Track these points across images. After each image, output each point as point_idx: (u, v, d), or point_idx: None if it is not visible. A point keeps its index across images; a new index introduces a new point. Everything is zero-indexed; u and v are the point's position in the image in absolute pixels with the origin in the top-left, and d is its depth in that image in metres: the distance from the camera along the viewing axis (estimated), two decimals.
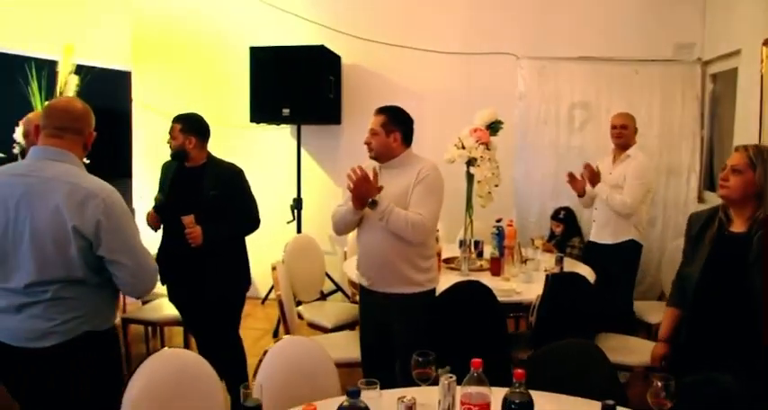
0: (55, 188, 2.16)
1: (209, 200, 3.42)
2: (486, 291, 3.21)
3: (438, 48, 5.64)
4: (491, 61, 5.53)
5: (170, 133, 3.52)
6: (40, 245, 2.14)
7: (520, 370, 1.68)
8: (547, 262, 4.04)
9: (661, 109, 5.25)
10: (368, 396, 1.83)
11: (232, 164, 3.59)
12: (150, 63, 6.22)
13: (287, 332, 3.62)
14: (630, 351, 3.55)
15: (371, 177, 2.88)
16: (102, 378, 2.26)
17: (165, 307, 4.27)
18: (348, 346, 3.66)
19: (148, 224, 3.55)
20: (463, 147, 3.98)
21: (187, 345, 4.22)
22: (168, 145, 3.54)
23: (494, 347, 3.06)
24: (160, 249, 3.60)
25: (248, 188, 3.60)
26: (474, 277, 3.66)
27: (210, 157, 3.58)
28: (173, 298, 3.71)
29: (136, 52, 6.21)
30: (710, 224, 2.47)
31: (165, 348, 2.26)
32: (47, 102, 2.46)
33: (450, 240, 4.77)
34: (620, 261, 4.20)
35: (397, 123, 2.99)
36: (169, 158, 3.59)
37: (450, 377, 1.92)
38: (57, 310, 2.17)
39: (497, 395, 1.79)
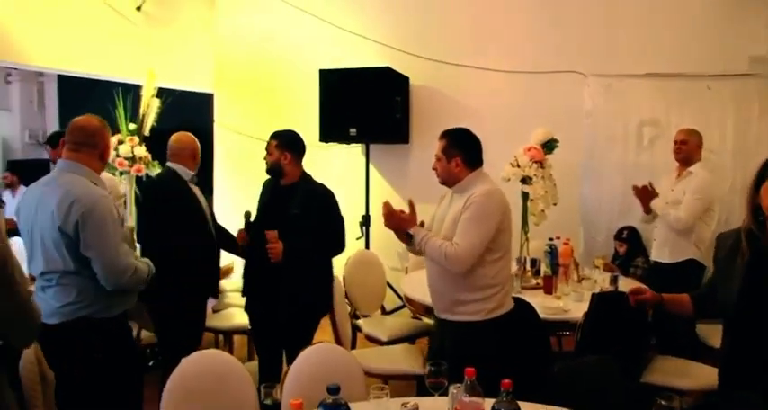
0: (54, 195, 2.58)
1: (292, 218, 3.50)
2: (528, 308, 3.22)
3: (504, 67, 5.69)
4: (558, 79, 5.52)
5: (267, 149, 3.62)
6: (43, 242, 2.60)
7: (507, 381, 1.73)
8: (603, 281, 4.00)
9: (735, 125, 5.08)
10: (377, 401, 1.94)
11: (323, 186, 3.67)
12: (230, 86, 6.59)
13: (337, 343, 3.75)
14: (685, 374, 3.46)
15: (408, 209, 2.90)
16: (107, 364, 2.57)
17: (235, 317, 4.49)
18: (401, 359, 3.75)
19: (239, 242, 3.69)
20: (518, 166, 4.02)
21: (251, 356, 4.43)
22: (265, 161, 3.64)
23: (534, 364, 3.07)
24: (247, 260, 3.75)
25: (336, 210, 3.64)
26: (527, 295, 3.67)
27: (304, 176, 3.66)
28: (248, 308, 3.80)
29: (218, 75, 6.60)
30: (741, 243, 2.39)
31: (205, 350, 2.44)
32: (72, 120, 2.83)
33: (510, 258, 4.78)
34: (681, 281, 4.09)
35: (458, 147, 2.90)
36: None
37: (458, 386, 1.99)
38: (61, 295, 2.62)
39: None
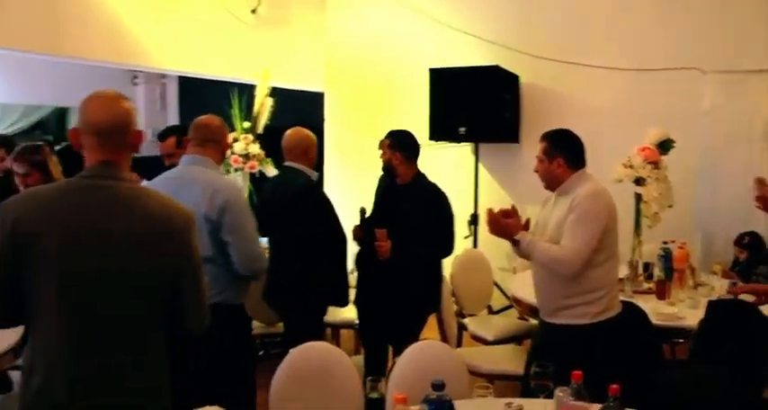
0: (194, 184, 2.76)
1: (403, 217, 3.59)
2: (639, 313, 3.14)
3: (617, 64, 5.52)
4: (674, 76, 5.30)
5: (380, 147, 3.72)
6: None
7: (615, 386, 1.71)
8: (721, 288, 3.83)
9: None
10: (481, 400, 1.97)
11: (435, 186, 3.72)
12: (340, 84, 6.77)
13: (443, 341, 3.79)
14: None
15: (512, 214, 2.91)
16: (231, 350, 2.75)
17: (343, 311, 4.60)
18: (506, 359, 3.75)
19: (354, 237, 3.75)
20: (631, 167, 3.92)
21: (357, 350, 4.54)
22: (381, 159, 3.75)
23: (644, 370, 2.99)
24: (357, 256, 3.85)
25: (448, 213, 3.68)
26: (639, 299, 3.58)
27: (418, 176, 3.73)
28: (357, 302, 3.90)
29: (328, 74, 6.80)
30: None
31: (313, 342, 2.55)
32: (195, 119, 3.02)
33: (622, 261, 4.66)
34: None
35: (559, 148, 2.89)
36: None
37: (564, 389, 1.98)
38: None
39: None
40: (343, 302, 3.65)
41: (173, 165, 3.22)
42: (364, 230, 3.70)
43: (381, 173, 3.85)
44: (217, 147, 2.95)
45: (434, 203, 3.65)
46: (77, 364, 1.74)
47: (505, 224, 2.87)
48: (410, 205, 3.59)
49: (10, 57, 7.55)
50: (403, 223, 3.55)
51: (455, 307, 4.36)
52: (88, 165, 1.84)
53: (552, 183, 2.94)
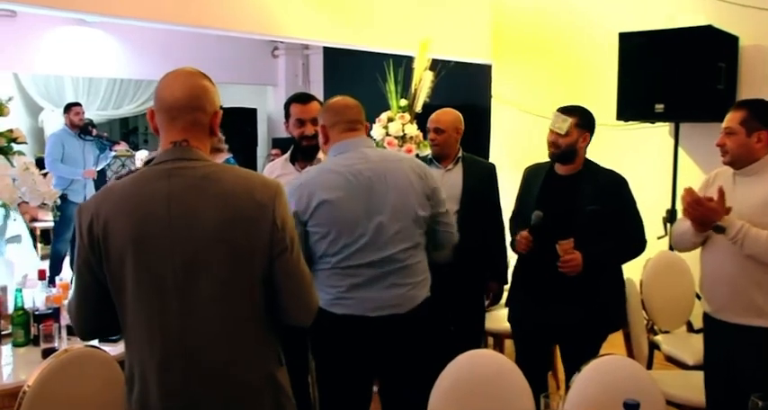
0: (398, 167, 2.92)
1: (587, 216, 3.44)
2: None
3: None
4: None
5: (557, 127, 3.51)
6: (397, 219, 2.88)
7: None
8: None
9: None
10: None
11: (614, 172, 3.59)
12: (510, 55, 6.82)
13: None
14: None
15: (717, 197, 2.89)
16: (428, 345, 2.92)
17: (504, 319, 4.66)
18: None
19: (519, 248, 3.57)
20: None
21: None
22: (552, 143, 3.54)
23: None
24: (519, 264, 3.77)
25: (634, 203, 3.59)
26: None
27: (588, 162, 3.60)
28: (518, 316, 3.86)
29: (496, 45, 6.86)
30: None
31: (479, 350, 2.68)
32: (325, 105, 3.11)
33: None
34: None
35: (764, 120, 2.93)
36: (535, 162, 3.73)
37: None
38: (411, 272, 2.93)
39: None
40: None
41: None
42: (535, 240, 3.50)
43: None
44: (364, 129, 3.07)
45: (619, 194, 3.53)
46: (169, 365, 1.92)
47: (708, 207, 2.88)
48: (593, 200, 3.45)
49: (143, 32, 8.32)
50: (583, 223, 3.43)
51: (645, 322, 4.30)
52: (161, 150, 2.01)
53: (742, 161, 2.99)
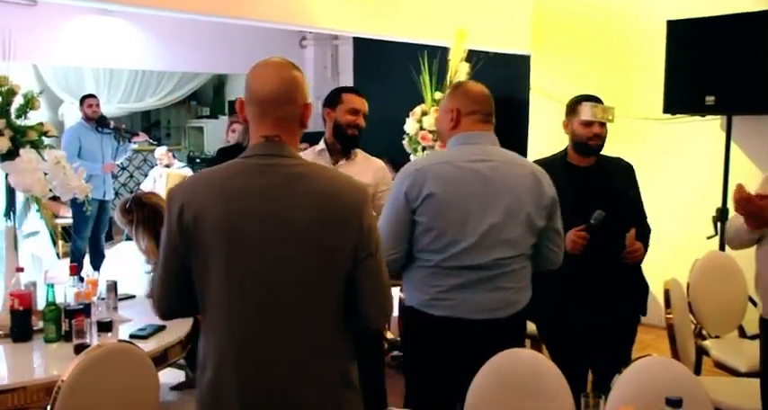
0: (520, 171, 2.95)
1: (631, 202, 3.65)
2: None
3: None
4: None
5: (601, 116, 3.61)
6: (511, 225, 2.89)
7: None
8: None
9: None
10: None
11: (622, 159, 3.79)
12: (550, 45, 6.86)
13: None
14: None
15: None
16: None
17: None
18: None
19: (576, 248, 3.60)
20: None
21: None
22: (594, 135, 3.62)
23: None
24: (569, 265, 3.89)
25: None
26: None
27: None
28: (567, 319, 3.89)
29: (536, 34, 6.91)
30: None
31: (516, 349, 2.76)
32: (463, 88, 3.09)
33: None
34: None
35: None
36: (555, 154, 3.81)
37: None
38: (513, 278, 2.94)
39: None
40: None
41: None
42: (593, 239, 3.54)
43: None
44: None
45: (633, 178, 3.73)
46: (247, 357, 2.06)
47: (759, 205, 2.91)
48: (621, 184, 3.66)
49: (166, 22, 8.47)
50: (629, 210, 3.61)
51: (693, 326, 4.32)
52: (252, 143, 2.13)
53: None
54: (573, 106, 3.70)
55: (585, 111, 3.60)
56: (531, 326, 4.74)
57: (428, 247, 2.86)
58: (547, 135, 6.83)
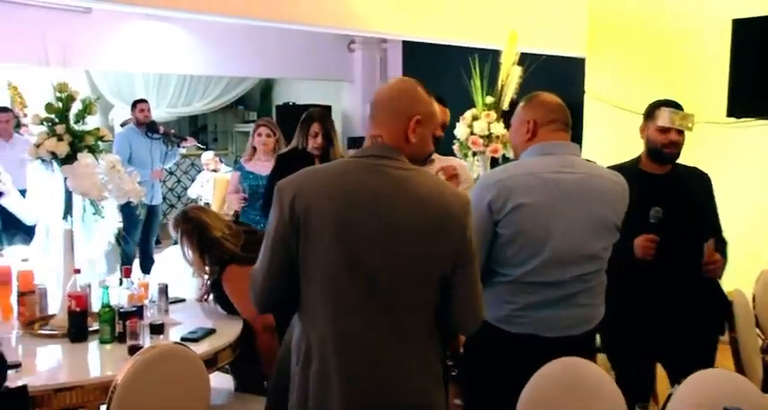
0: (603, 183, 2.93)
1: (707, 213, 3.62)
2: None
3: None
4: None
5: (683, 125, 3.56)
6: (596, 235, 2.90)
7: None
8: None
9: None
10: None
11: (697, 168, 3.73)
12: (607, 47, 6.82)
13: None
14: None
15: None
16: None
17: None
18: None
19: (640, 254, 3.50)
20: None
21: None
22: (671, 142, 3.56)
23: None
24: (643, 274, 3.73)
25: None
26: None
27: None
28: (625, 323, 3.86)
29: (592, 36, 6.88)
30: None
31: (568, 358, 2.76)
32: (538, 99, 3.07)
33: None
34: None
35: None
36: (628, 160, 3.77)
37: None
38: (590, 295, 2.94)
39: None
40: None
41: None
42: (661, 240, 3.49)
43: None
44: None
45: (709, 188, 3.69)
46: (350, 354, 2.18)
47: None
48: (692, 199, 3.60)
49: (214, 27, 8.61)
50: (706, 220, 3.58)
51: (760, 342, 4.22)
52: (366, 145, 2.30)
53: None
54: (651, 111, 3.67)
55: (663, 117, 3.56)
56: None
57: (509, 261, 2.85)
58: (602, 140, 6.82)
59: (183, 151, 9.02)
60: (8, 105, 8.27)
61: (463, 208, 2.23)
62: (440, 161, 4.11)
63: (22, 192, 5.05)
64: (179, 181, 11.69)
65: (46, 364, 3.29)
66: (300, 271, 2.21)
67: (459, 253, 2.21)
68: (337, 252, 2.15)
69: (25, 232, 5.46)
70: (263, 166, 5.36)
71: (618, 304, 3.71)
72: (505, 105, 5.67)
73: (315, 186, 2.21)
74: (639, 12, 6.62)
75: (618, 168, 3.55)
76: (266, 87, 13.24)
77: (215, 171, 9.96)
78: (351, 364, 2.17)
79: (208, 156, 10.05)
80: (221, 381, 3.87)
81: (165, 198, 9.56)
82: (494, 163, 5.56)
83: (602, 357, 4.66)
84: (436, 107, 2.41)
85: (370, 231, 2.15)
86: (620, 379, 3.81)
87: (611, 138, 6.69)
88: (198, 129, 13.46)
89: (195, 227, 3.85)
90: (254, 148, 5.55)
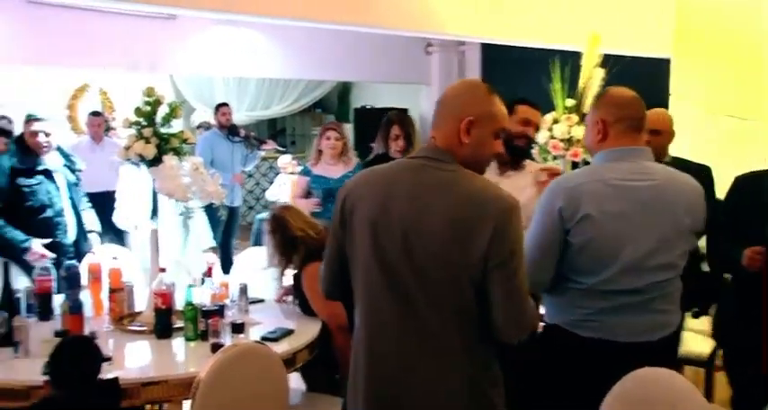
0: (682, 190, 2.86)
1: None
2: None
3: None
4: None
5: None
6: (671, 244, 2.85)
7: None
8: None
9: None
10: None
11: None
12: (695, 48, 6.69)
13: None
14: None
15: None
16: None
17: (688, 342, 4.53)
18: None
19: (749, 265, 3.53)
20: None
21: (708, 389, 4.56)
22: None
23: None
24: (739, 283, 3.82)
25: None
26: None
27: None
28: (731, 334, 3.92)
29: (679, 36, 6.79)
30: None
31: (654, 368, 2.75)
32: (607, 95, 3.02)
33: None
34: None
35: None
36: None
37: None
38: (665, 301, 2.91)
39: None
40: None
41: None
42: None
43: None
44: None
45: None
46: (373, 347, 2.29)
47: None
48: None
49: (292, 31, 8.77)
50: None
51: None
52: (420, 148, 2.39)
53: None
54: None
55: None
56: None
57: (581, 269, 2.81)
58: (688, 143, 6.71)
59: (263, 154, 9.21)
60: (99, 110, 8.62)
61: (506, 209, 2.20)
62: (531, 166, 4.13)
63: (110, 194, 5.23)
64: (258, 183, 11.93)
65: (134, 359, 3.46)
66: (349, 267, 2.35)
67: (497, 252, 2.17)
68: (371, 250, 2.25)
69: (115, 233, 5.69)
70: (332, 169, 5.42)
71: (738, 319, 3.77)
72: (586, 108, 5.64)
73: (360, 186, 2.34)
74: (729, 11, 6.51)
75: (752, 176, 3.72)
76: (344, 90, 13.39)
77: (292, 173, 10.12)
78: (373, 358, 2.29)
79: (285, 159, 10.21)
80: (297, 381, 3.99)
81: (244, 200, 9.73)
82: (574, 167, 5.52)
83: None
84: (500, 108, 2.34)
85: (393, 229, 2.22)
86: (738, 400, 3.84)
87: (697, 139, 6.59)
88: (276, 132, 13.66)
89: (278, 225, 3.98)
90: (320, 152, 5.52)
